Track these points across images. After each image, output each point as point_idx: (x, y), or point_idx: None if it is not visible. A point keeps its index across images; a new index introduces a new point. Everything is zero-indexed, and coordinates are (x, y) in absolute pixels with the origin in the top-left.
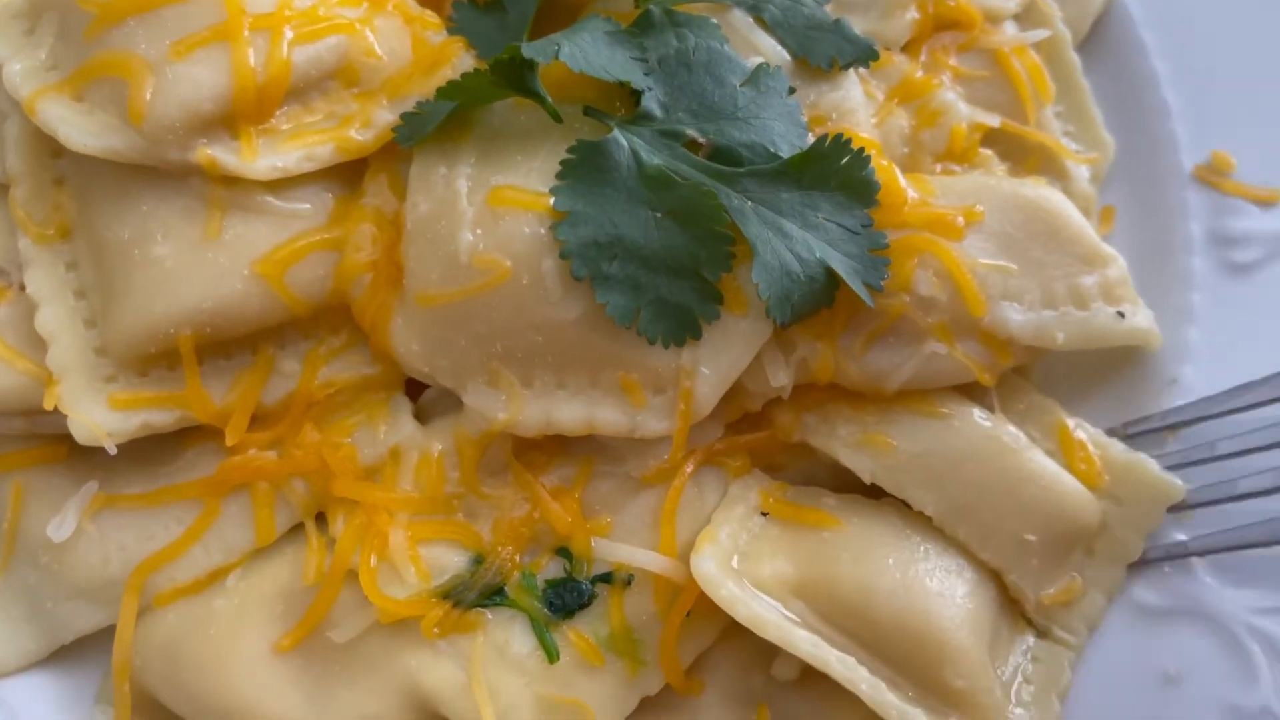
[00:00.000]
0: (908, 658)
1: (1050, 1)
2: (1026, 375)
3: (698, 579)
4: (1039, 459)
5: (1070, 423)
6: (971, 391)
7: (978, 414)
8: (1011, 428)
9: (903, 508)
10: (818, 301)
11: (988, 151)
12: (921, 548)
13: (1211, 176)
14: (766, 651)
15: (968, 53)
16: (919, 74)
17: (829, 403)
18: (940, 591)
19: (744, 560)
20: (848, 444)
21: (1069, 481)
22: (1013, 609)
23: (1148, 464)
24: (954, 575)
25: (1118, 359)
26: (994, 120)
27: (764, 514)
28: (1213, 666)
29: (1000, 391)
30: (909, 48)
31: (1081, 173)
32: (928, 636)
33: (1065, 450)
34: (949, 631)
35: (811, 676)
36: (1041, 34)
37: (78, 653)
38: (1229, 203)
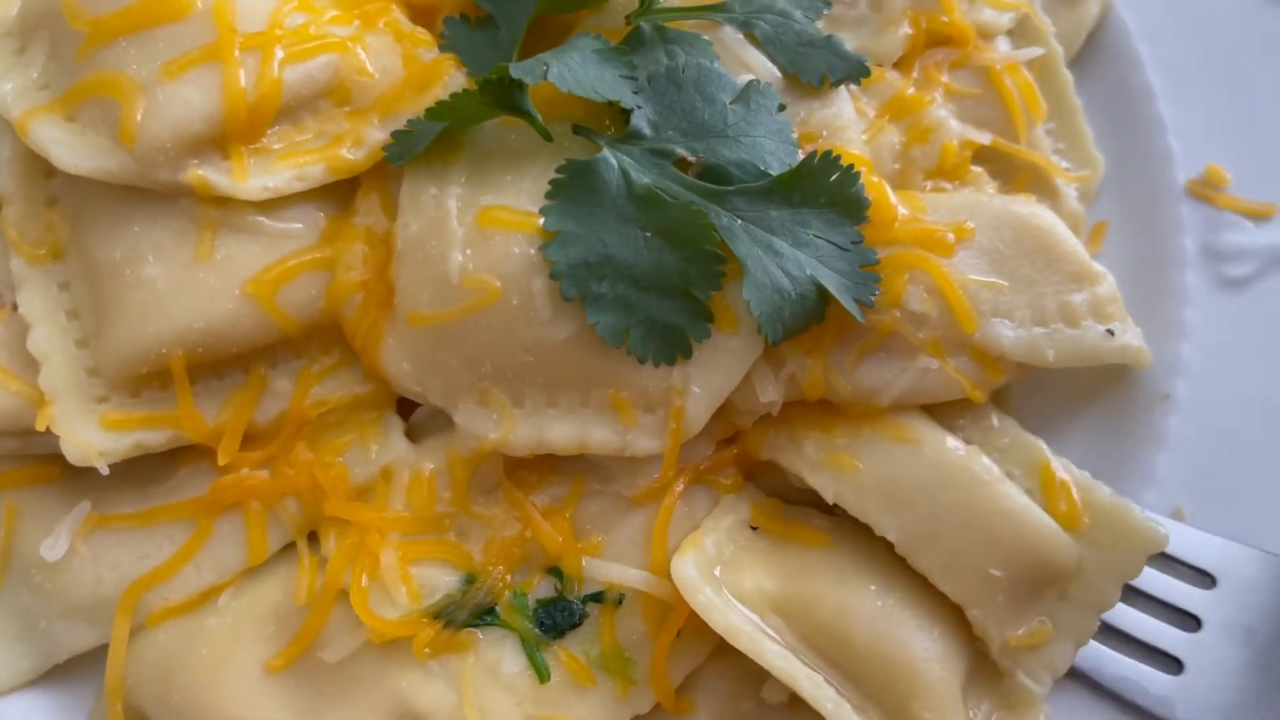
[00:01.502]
0: (880, 685)
1: (1044, 16)
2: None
3: (676, 581)
4: (1012, 493)
5: (1055, 463)
6: (950, 421)
7: (951, 442)
8: (985, 459)
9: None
10: (809, 318)
11: (978, 169)
12: (905, 578)
13: (1205, 191)
14: (757, 674)
15: (960, 69)
16: (910, 91)
17: (799, 421)
18: (919, 623)
19: (727, 570)
20: (813, 464)
21: (1043, 519)
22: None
23: (1131, 510)
24: (935, 609)
25: (1110, 374)
26: (985, 138)
27: (754, 527)
28: None
29: (983, 426)
30: (901, 64)
31: (1071, 191)
32: (902, 665)
33: (1046, 490)
34: (923, 663)
35: (801, 700)
36: (1035, 52)
37: (71, 672)
38: (1223, 217)
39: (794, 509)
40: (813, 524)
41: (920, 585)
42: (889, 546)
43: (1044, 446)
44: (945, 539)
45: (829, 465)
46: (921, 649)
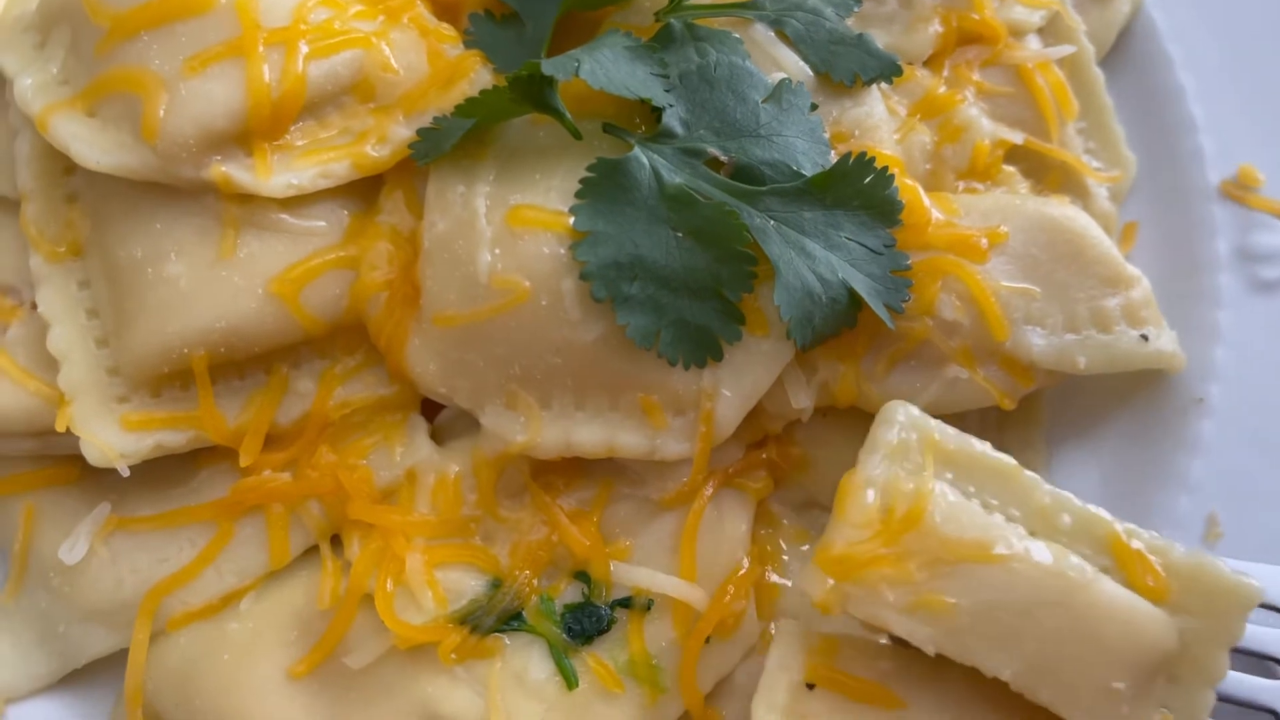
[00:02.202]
0: None
1: (1074, 15)
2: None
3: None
4: (1109, 589)
5: (1121, 530)
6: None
7: (1034, 548)
8: (1074, 557)
9: (970, 673)
10: (839, 323)
11: (1011, 168)
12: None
13: (1238, 191)
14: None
15: (991, 68)
16: (942, 89)
17: (869, 563)
18: None
19: None
20: (900, 610)
21: (1144, 608)
22: None
23: (1215, 566)
24: None
25: (1143, 378)
26: (1017, 137)
27: (810, 685)
28: None
29: (1036, 506)
30: (932, 62)
31: (1102, 191)
32: None
33: (1124, 565)
34: None
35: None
36: (1066, 50)
37: (89, 676)
38: (1256, 218)
39: (849, 644)
40: (878, 668)
41: None
42: (970, 690)
43: (1106, 515)
44: (1063, 665)
45: (920, 609)
46: None
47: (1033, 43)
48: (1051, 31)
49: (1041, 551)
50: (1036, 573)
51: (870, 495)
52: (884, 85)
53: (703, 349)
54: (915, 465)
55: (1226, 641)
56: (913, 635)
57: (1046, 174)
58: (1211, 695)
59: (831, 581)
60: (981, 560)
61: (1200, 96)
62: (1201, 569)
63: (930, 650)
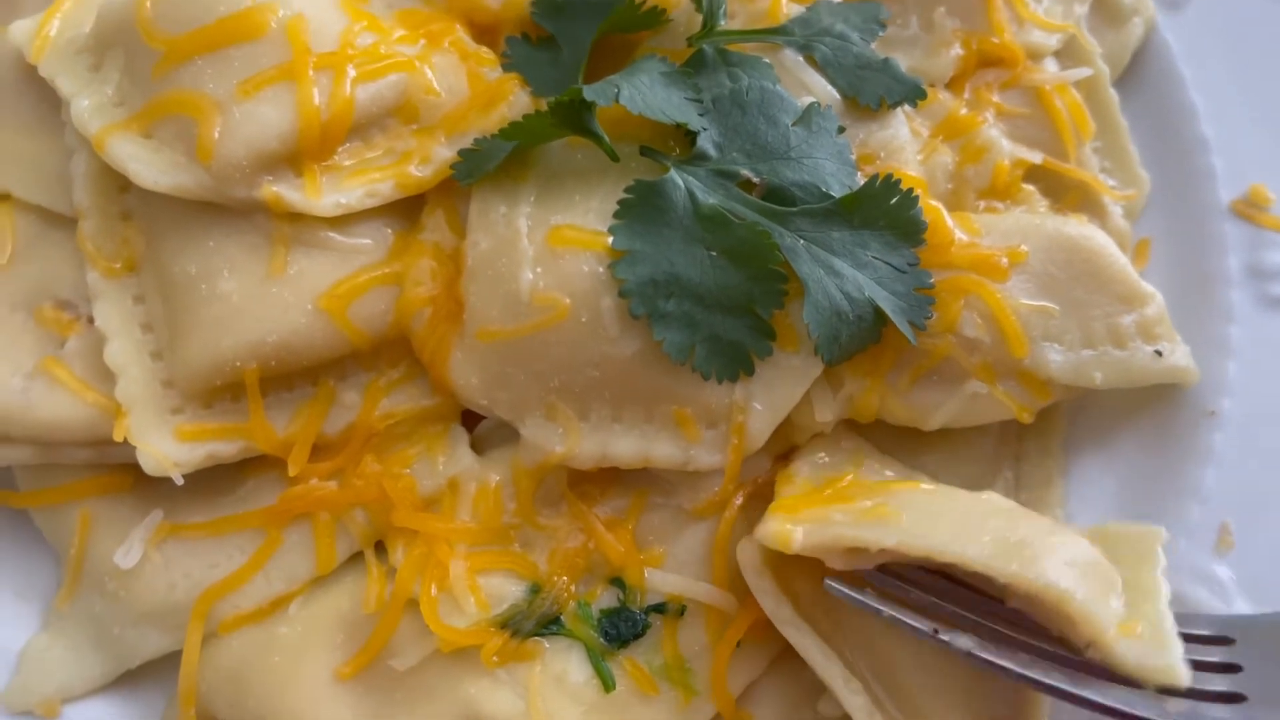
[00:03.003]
0: (912, 710)
1: (1090, 38)
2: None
3: (740, 563)
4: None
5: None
6: None
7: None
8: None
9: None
10: (865, 339)
11: (1030, 187)
12: None
13: (1249, 210)
14: (815, 687)
15: (1010, 90)
16: (963, 111)
17: (818, 502)
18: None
19: (793, 567)
20: (850, 526)
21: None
22: None
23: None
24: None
25: (1156, 391)
26: (1036, 157)
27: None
28: None
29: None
30: (953, 84)
31: (1117, 209)
32: (943, 691)
33: None
34: (962, 692)
35: None
36: (1083, 72)
37: (143, 677)
38: (1266, 236)
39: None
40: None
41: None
42: None
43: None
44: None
45: (867, 519)
46: (964, 683)
47: (1050, 65)
48: (1068, 54)
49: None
50: (970, 497)
51: (804, 473)
52: (908, 108)
53: (735, 364)
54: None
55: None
56: (870, 540)
57: (1064, 193)
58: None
59: (788, 521)
60: (913, 488)
61: (1212, 117)
62: (1105, 533)
63: (891, 542)
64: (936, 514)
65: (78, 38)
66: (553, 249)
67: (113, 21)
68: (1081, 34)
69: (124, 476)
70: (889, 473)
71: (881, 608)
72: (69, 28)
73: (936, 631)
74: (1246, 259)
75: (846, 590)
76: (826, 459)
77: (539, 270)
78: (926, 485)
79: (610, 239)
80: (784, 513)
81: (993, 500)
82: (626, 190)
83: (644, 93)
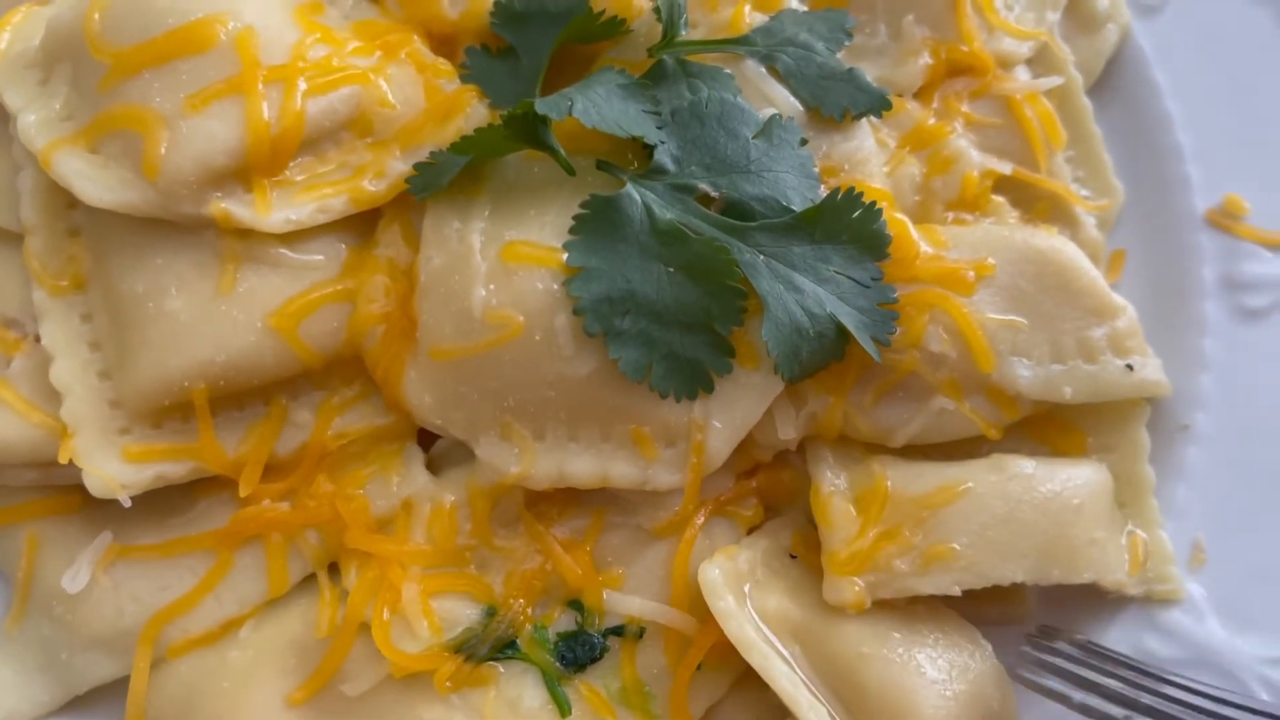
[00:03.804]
0: None
1: (1063, 44)
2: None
3: (701, 583)
4: (1051, 468)
5: None
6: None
7: (975, 468)
8: (1010, 459)
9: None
10: (827, 357)
11: (1000, 198)
12: (933, 636)
13: (1224, 220)
14: (777, 709)
15: (980, 99)
16: (931, 121)
17: (872, 550)
18: (935, 680)
19: (755, 588)
20: (917, 575)
21: (1081, 468)
22: None
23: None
24: (955, 670)
25: (1130, 405)
26: (1005, 167)
27: (793, 555)
28: None
29: None
30: (921, 94)
31: (1090, 219)
32: (908, 715)
33: (1046, 441)
34: (930, 717)
35: None
36: (1054, 81)
37: (91, 704)
38: (1241, 247)
39: None
40: None
41: (945, 645)
42: (924, 604)
43: None
44: (1056, 543)
45: (931, 565)
46: (930, 704)
47: (1022, 73)
48: (1041, 62)
49: (984, 468)
50: (996, 486)
51: (838, 499)
52: (874, 118)
53: (694, 381)
54: (853, 458)
55: (1142, 453)
56: (939, 588)
57: (1035, 203)
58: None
59: (855, 581)
60: (952, 500)
61: (1187, 125)
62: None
63: (957, 591)
64: (982, 529)
65: (27, 51)
66: (506, 265)
67: (61, 34)
68: (1054, 41)
69: (72, 498)
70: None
71: (1073, 694)
72: (19, 40)
73: (1128, 718)
74: (1222, 270)
75: (1038, 680)
76: (835, 464)
77: (492, 287)
78: (958, 487)
79: (565, 255)
80: (842, 573)
81: (1018, 476)
82: (582, 205)
83: (599, 105)
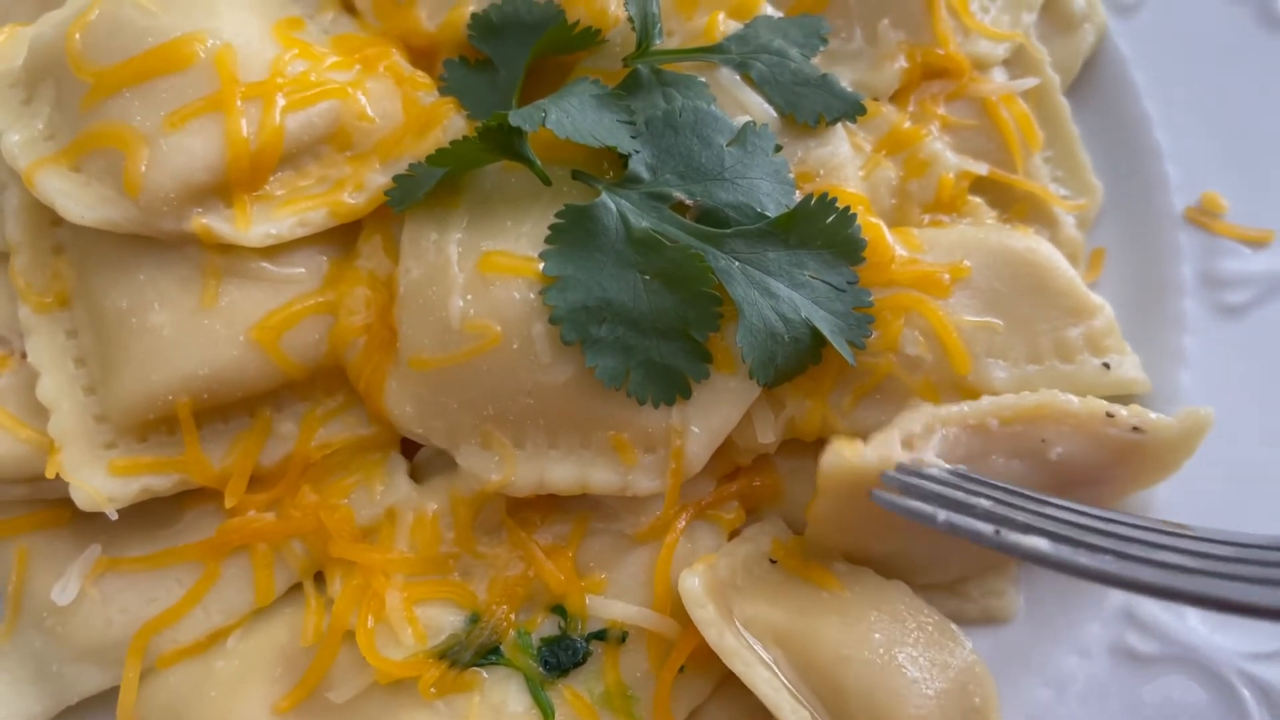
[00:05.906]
0: None
1: (1039, 45)
2: None
3: (681, 592)
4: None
5: None
6: None
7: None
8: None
9: (908, 592)
10: (803, 361)
11: (976, 199)
12: (913, 635)
13: (1203, 218)
14: (760, 712)
15: (956, 101)
16: (907, 124)
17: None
18: (916, 679)
19: (736, 595)
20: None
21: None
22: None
23: None
24: (935, 669)
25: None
26: (981, 169)
27: (772, 560)
28: (1204, 714)
29: None
30: (897, 97)
31: (1069, 219)
32: (890, 715)
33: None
34: (911, 716)
35: None
36: (1030, 83)
37: (82, 714)
38: (1220, 244)
39: (817, 551)
40: (833, 567)
41: (925, 644)
42: (903, 602)
43: None
44: None
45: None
46: (913, 705)
47: (999, 75)
48: (1017, 62)
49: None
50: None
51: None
52: (849, 123)
53: (671, 388)
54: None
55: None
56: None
57: (1013, 203)
58: None
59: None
60: None
61: (1165, 124)
62: None
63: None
64: None
65: (10, 71)
66: (483, 276)
67: (44, 54)
68: (1030, 42)
69: (61, 511)
70: None
71: (938, 513)
72: (2, 61)
73: (998, 532)
74: (1200, 267)
75: (896, 501)
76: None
77: (469, 297)
78: None
79: (541, 265)
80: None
81: None
82: (557, 215)
83: (573, 116)
